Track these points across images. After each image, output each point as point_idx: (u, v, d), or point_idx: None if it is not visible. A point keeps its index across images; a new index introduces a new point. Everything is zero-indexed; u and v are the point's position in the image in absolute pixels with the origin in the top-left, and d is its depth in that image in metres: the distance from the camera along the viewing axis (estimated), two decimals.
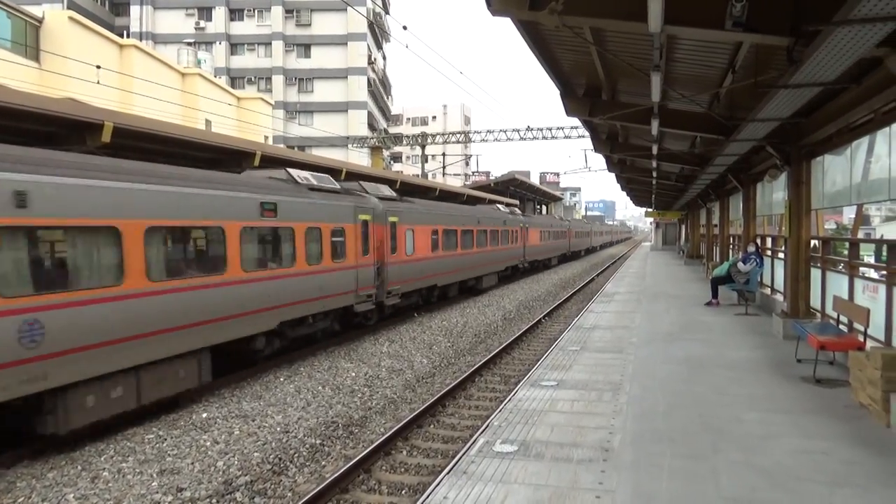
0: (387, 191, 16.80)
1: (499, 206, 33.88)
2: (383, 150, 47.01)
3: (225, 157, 12.24)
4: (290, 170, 11.86)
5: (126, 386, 7.56)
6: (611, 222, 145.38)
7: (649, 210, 48.82)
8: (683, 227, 44.94)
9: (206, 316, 8.55)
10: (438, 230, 19.82)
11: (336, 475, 6.81)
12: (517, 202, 41.50)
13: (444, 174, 53.19)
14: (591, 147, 16.80)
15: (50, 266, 6.86)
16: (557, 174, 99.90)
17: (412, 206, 18.12)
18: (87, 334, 7.10)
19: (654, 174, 19.61)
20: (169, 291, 8.05)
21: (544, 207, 68.13)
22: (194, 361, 8.42)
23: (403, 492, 6.72)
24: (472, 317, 16.80)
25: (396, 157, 61.77)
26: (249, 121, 37.80)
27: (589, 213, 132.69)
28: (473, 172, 73.54)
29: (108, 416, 7.30)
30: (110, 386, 7.31)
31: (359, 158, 49.34)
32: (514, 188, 46.62)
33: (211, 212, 8.70)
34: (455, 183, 64.29)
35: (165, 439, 7.61)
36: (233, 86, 50.81)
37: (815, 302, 10.33)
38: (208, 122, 33.92)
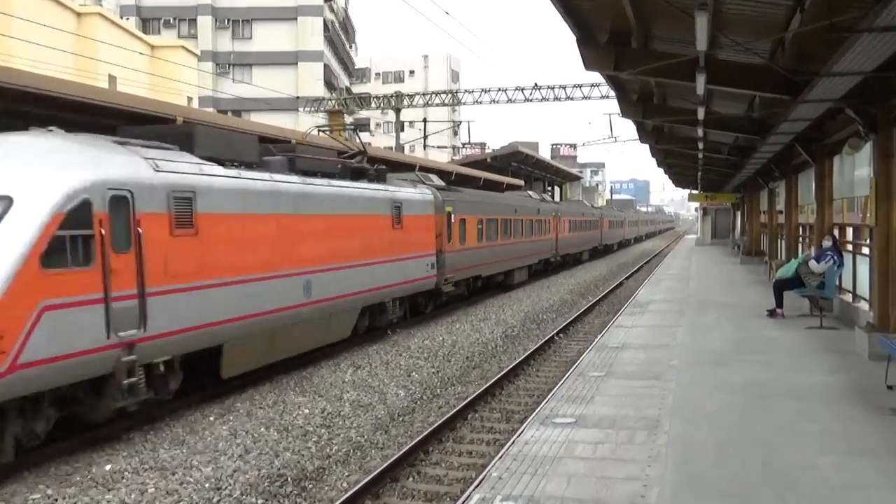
0: (436, 179, 23.15)
1: (530, 192, 39.10)
2: (344, 114, 45.32)
3: (135, 125, 12.19)
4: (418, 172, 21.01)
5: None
6: (643, 209, 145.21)
7: (693, 192, 47.91)
8: (738, 214, 43.91)
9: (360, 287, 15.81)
10: (483, 220, 25.40)
11: None
12: (521, 182, 41.54)
13: (425, 146, 50.30)
14: (618, 111, 16.13)
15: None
16: (574, 146, 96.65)
17: (461, 194, 23.90)
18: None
19: (701, 145, 19.40)
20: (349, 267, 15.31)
21: (557, 190, 65.79)
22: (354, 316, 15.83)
23: None
24: (464, 335, 16.77)
25: (363, 125, 61.06)
26: (167, 76, 36.58)
27: (615, 196, 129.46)
28: (464, 144, 70.45)
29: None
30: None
31: (313, 125, 49.47)
32: (517, 164, 45.32)
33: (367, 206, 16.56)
34: (440, 158, 61.00)
35: (56, 500, 7.38)
36: (145, 30, 49.21)
37: None
38: (112, 79, 33.12)
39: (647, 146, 23.61)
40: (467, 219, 23.82)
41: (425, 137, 47.55)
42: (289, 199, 13.34)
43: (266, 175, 12.95)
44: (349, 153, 18.27)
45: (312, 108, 45.72)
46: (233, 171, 12.14)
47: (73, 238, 8.80)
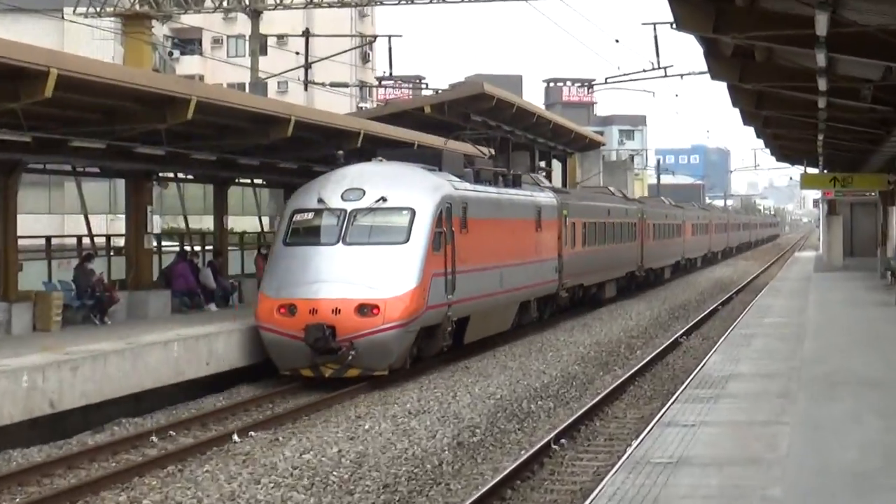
0: (545, 180, 34.59)
1: (610, 189, 46.95)
2: (149, 22, 37.07)
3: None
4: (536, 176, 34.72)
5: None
6: (721, 203, 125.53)
7: (809, 172, 43.73)
8: (894, 211, 40.58)
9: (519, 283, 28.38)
10: (585, 224, 35.75)
11: None
12: (489, 152, 35.14)
13: (307, 84, 41.95)
14: (668, 15, 17.09)
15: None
16: (588, 85, 76.43)
17: (569, 196, 35.35)
18: None
19: (824, 84, 19.15)
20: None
21: (558, 165, 58.49)
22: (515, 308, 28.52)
23: None
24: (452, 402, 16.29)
25: (189, 42, 56.84)
26: None
27: (667, 177, 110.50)
28: (381, 80, 59.25)
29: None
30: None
31: (97, 47, 41.26)
32: (481, 118, 38.95)
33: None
34: (341, 107, 50.54)
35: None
36: None
37: None
38: None
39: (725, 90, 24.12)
40: (576, 222, 34.62)
41: (307, 67, 38.27)
42: (497, 206, 27.12)
43: (493, 189, 27.25)
44: (480, 157, 31.46)
45: (94, 7, 36.07)
46: (480, 186, 26.27)
47: (438, 233, 22.17)
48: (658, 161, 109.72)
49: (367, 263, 21.75)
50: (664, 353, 26.11)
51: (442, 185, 23.59)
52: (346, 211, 22.33)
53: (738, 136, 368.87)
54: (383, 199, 22.33)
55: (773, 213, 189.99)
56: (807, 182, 44.04)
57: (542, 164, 53.80)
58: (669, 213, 55.25)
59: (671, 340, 28.18)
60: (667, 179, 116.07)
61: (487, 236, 25.90)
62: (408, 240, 22.02)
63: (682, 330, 30.83)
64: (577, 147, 58.58)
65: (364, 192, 22.54)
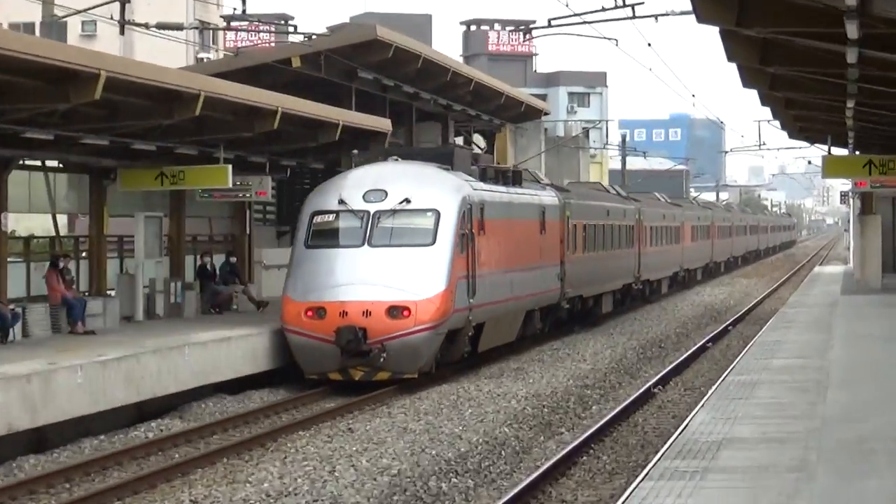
0: (544, 177, 45.96)
1: (603, 184, 55.68)
2: None
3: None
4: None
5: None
6: (713, 197, 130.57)
7: (835, 154, 43.82)
8: None
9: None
10: (586, 226, 44.12)
11: None
12: (384, 125, 37.23)
13: (122, 24, 41.15)
14: None
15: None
16: (525, 30, 77.20)
17: (570, 194, 43.57)
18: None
19: (854, 54, 20.33)
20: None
21: (480, 139, 60.40)
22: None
23: None
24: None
25: None
26: None
27: (637, 159, 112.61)
28: (231, 19, 61.48)
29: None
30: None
31: None
32: (372, 74, 40.71)
33: None
34: (174, 58, 52.44)
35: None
36: None
37: None
38: None
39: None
40: (577, 225, 43.00)
41: (126, 1, 37.67)
42: (508, 207, 35.40)
43: (502, 188, 35.77)
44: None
45: None
46: (493, 186, 34.90)
47: (462, 235, 30.45)
48: (623, 137, 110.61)
49: (395, 266, 29.37)
50: (633, 408, 26.90)
51: (462, 186, 31.60)
52: (369, 213, 29.97)
53: (736, 103, 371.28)
54: (407, 200, 30.10)
55: (784, 211, 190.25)
56: (831, 168, 41.83)
57: (459, 140, 53.79)
58: (668, 213, 62.69)
59: (641, 391, 29.21)
60: (636, 163, 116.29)
61: (501, 239, 34.14)
62: (434, 242, 29.79)
63: (654, 376, 31.94)
64: (510, 116, 59.67)
65: (386, 194, 30.25)
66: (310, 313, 28.75)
